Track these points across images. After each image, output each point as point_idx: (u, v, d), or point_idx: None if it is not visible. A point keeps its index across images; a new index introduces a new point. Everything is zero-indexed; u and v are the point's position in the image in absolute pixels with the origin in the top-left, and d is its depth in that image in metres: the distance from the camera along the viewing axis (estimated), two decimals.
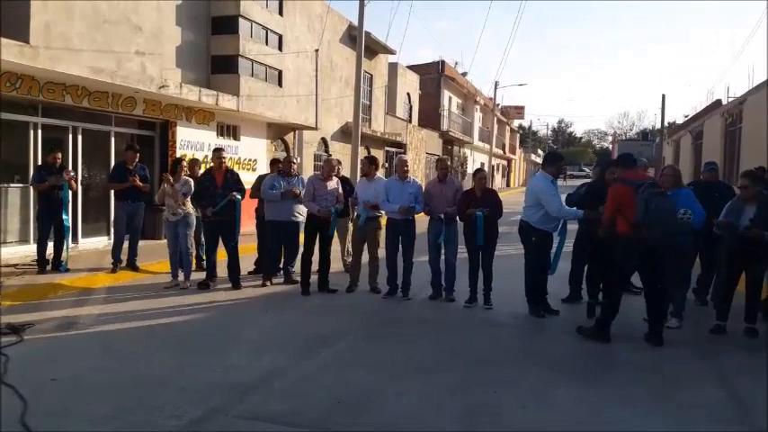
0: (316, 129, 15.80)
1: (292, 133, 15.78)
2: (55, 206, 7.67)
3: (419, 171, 24.39)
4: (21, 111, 8.58)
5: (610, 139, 75.17)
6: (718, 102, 19.89)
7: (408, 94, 26.12)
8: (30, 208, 8.74)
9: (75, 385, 3.98)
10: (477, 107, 37.22)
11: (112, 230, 8.85)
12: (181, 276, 7.33)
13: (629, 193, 5.11)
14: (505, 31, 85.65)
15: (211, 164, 7.58)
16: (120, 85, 9.21)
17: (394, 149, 22.63)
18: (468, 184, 7.71)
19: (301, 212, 7.37)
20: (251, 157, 13.69)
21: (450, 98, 31.92)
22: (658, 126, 35.48)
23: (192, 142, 11.73)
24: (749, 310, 5.58)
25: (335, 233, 7.40)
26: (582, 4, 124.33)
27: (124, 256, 8.05)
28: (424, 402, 3.85)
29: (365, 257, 7.26)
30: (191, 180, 7.38)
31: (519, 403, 3.88)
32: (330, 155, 15.93)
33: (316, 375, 4.32)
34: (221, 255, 7.42)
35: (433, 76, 29.43)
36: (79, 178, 9.25)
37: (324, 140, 17.68)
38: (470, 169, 29.56)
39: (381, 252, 7.13)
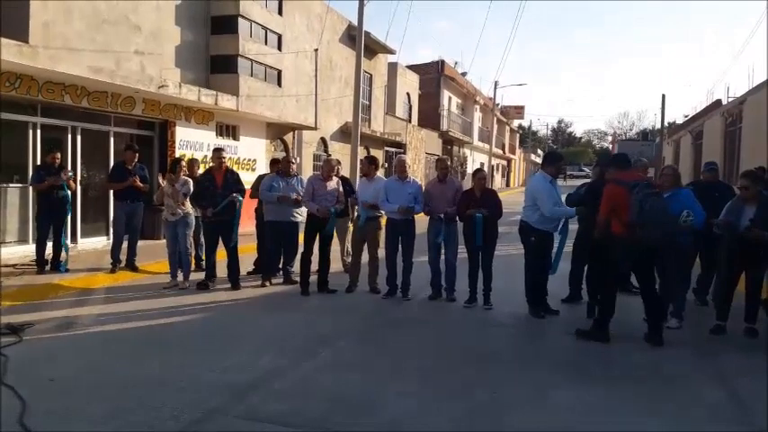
0: (315, 129, 15.79)
1: (292, 133, 15.78)
2: (54, 206, 7.66)
3: (419, 171, 24.38)
4: (20, 110, 8.58)
5: (610, 139, 75.25)
6: (718, 102, 19.91)
7: (408, 93, 26.13)
8: (29, 208, 8.74)
9: (75, 385, 3.97)
10: (477, 107, 37.23)
11: (111, 230, 8.84)
12: (180, 277, 7.32)
13: (623, 193, 5.11)
14: (505, 31, 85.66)
15: (211, 164, 7.57)
16: (119, 85, 9.20)
17: (393, 149, 22.63)
18: (467, 184, 7.70)
19: (300, 213, 7.36)
20: (250, 156, 13.69)
21: (449, 98, 31.93)
22: (658, 126, 35.53)
23: (192, 142, 11.73)
24: (749, 310, 5.58)
25: (335, 233, 7.40)
26: (582, 4, 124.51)
27: (123, 257, 8.04)
28: (423, 402, 3.84)
29: (365, 257, 7.25)
30: (190, 180, 7.37)
31: (519, 403, 3.88)
32: (329, 155, 15.93)
33: (315, 375, 4.32)
34: (221, 255, 7.41)
35: (433, 75, 29.44)
36: (78, 178, 9.24)
37: (323, 140, 17.67)
38: (470, 169, 29.57)
39: (381, 252, 7.12)
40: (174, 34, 11.23)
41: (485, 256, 6.57)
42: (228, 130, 13.06)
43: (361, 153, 13.60)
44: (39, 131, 8.87)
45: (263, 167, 13.11)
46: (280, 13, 13.83)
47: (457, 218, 6.72)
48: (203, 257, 7.73)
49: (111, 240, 8.64)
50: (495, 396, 4.00)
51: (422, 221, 6.98)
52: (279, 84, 13.90)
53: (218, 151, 7.38)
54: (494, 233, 6.58)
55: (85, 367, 4.34)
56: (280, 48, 13.87)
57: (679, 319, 5.83)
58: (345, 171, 10.58)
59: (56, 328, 5.33)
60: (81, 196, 9.52)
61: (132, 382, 4.03)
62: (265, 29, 13.26)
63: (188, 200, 7.26)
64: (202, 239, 7.84)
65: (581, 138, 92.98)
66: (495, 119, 38.90)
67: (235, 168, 10.15)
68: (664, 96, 30.84)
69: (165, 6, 10.67)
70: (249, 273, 7.96)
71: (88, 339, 5.09)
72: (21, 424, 3.31)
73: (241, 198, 7.18)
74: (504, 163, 50.52)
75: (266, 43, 13.33)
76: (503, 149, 45.97)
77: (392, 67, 23.60)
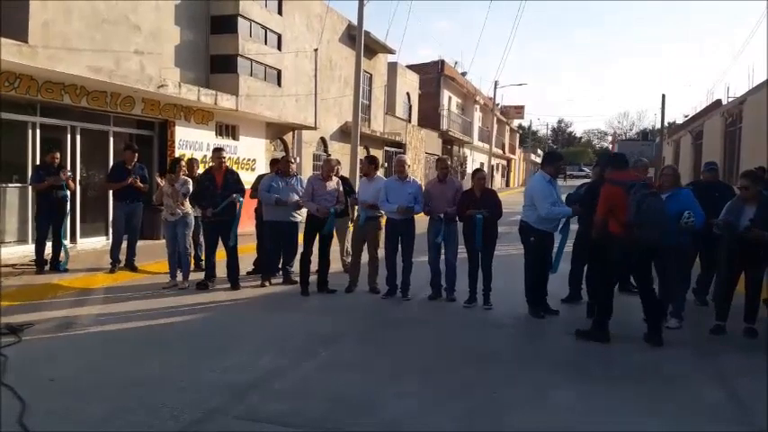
0: (315, 128, 15.79)
1: (291, 133, 15.77)
2: (54, 206, 7.66)
3: (418, 171, 24.39)
4: (19, 110, 8.57)
5: (610, 139, 75.23)
6: (718, 102, 19.92)
7: (408, 93, 26.12)
8: (28, 208, 8.73)
9: (75, 385, 3.97)
10: (477, 107, 37.23)
11: (111, 230, 8.83)
12: (179, 277, 7.31)
13: (620, 193, 5.11)
14: (505, 31, 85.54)
15: (211, 163, 7.56)
16: (118, 85, 9.20)
17: (393, 149, 22.63)
18: (467, 183, 7.70)
19: (300, 212, 7.36)
20: (250, 156, 13.68)
21: (449, 98, 31.92)
22: (658, 126, 35.52)
23: (191, 142, 11.72)
24: (749, 310, 5.58)
25: (335, 233, 7.39)
26: (582, 4, 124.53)
27: (123, 257, 8.04)
28: (423, 402, 3.84)
29: (365, 257, 7.25)
30: (189, 180, 7.37)
31: (519, 403, 3.88)
32: (329, 155, 15.94)
33: (315, 375, 4.32)
34: (220, 255, 7.40)
35: (433, 75, 29.43)
36: (77, 178, 9.23)
37: (323, 140, 17.67)
38: (470, 169, 29.57)
39: (381, 252, 7.12)
40: (173, 34, 11.22)
41: (485, 257, 6.57)
42: (228, 129, 13.06)
43: (361, 153, 13.60)
44: (38, 131, 8.87)
45: (262, 167, 13.11)
46: (279, 12, 13.82)
47: (457, 218, 6.72)
48: (203, 257, 7.73)
49: (110, 240, 8.64)
50: (494, 396, 4.00)
51: (422, 221, 6.97)
52: (278, 83, 13.89)
53: (218, 151, 7.37)
54: (494, 233, 6.57)
55: (85, 367, 4.34)
56: (279, 47, 13.86)
57: (679, 319, 5.83)
58: (345, 171, 10.57)
59: (55, 328, 5.33)
60: (80, 196, 9.52)
61: (132, 382, 4.03)
62: (265, 28, 13.26)
63: (187, 200, 7.26)
64: (202, 239, 7.84)
65: (581, 138, 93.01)
66: (495, 119, 38.90)
67: (234, 168, 10.15)
68: (664, 96, 30.83)
69: (165, 6, 10.66)
70: (249, 273, 7.96)
71: (88, 339, 5.09)
72: (20, 424, 3.30)
73: (241, 198, 7.18)
74: (504, 163, 50.53)
75: (266, 43, 13.32)
76: (503, 149, 45.97)
77: (392, 67, 23.59)
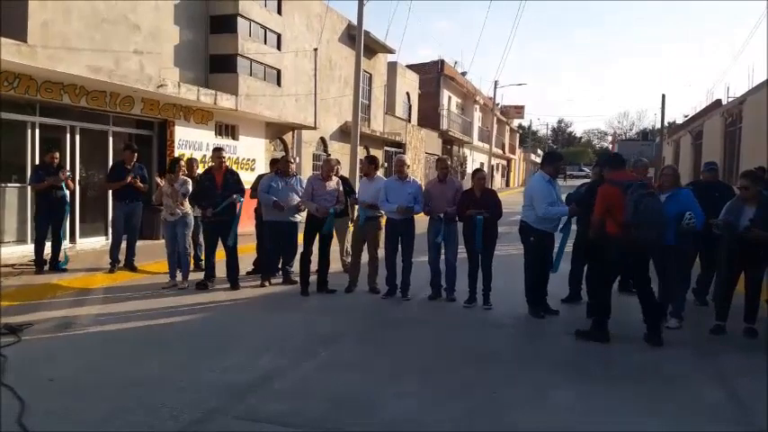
0: (314, 128, 15.78)
1: (291, 133, 15.76)
2: (53, 206, 7.65)
3: (418, 171, 24.38)
4: (18, 110, 8.56)
5: (610, 139, 75.24)
6: (718, 102, 19.93)
7: (408, 93, 26.12)
8: (27, 208, 8.73)
9: (74, 385, 3.96)
10: (477, 107, 37.22)
11: (110, 230, 8.83)
12: (179, 277, 7.31)
13: (617, 193, 5.10)
14: (505, 31, 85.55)
15: (210, 163, 7.55)
16: (118, 85, 9.19)
17: (393, 149, 22.62)
18: (467, 183, 7.70)
19: (300, 213, 7.35)
20: (249, 156, 13.68)
21: (449, 98, 31.92)
22: (658, 126, 35.55)
23: (191, 142, 11.72)
24: (749, 310, 5.58)
25: (335, 233, 7.39)
26: (582, 4, 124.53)
27: (122, 257, 8.03)
28: (423, 403, 3.84)
29: (364, 257, 7.24)
30: (189, 180, 7.36)
31: (519, 403, 3.88)
32: (329, 155, 15.94)
33: (315, 375, 4.31)
34: (220, 255, 7.40)
35: (433, 75, 29.42)
36: (77, 178, 9.23)
37: (323, 140, 17.66)
38: (470, 169, 29.57)
39: (381, 252, 7.11)
40: (173, 34, 11.22)
41: (485, 257, 6.56)
42: (228, 129, 13.05)
43: (361, 153, 13.60)
44: (37, 131, 8.86)
45: (262, 167, 13.11)
46: (279, 12, 13.82)
47: (457, 218, 6.71)
48: (202, 257, 7.72)
49: (109, 240, 8.64)
50: (494, 396, 3.99)
51: (422, 221, 6.97)
52: (278, 83, 13.89)
53: (218, 151, 7.37)
54: (494, 233, 6.57)
55: (85, 367, 4.34)
56: (279, 47, 13.86)
57: (679, 319, 5.83)
58: (345, 171, 10.57)
59: (55, 328, 5.32)
60: (80, 196, 9.52)
61: (132, 382, 4.02)
62: (264, 28, 13.25)
63: (187, 200, 7.25)
64: (201, 239, 7.83)
65: (581, 138, 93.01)
66: (495, 119, 38.90)
67: (234, 168, 10.15)
68: (664, 96, 30.90)
69: (164, 6, 10.66)
70: (248, 273, 7.95)
71: (87, 339, 5.08)
72: (20, 424, 3.30)
73: (242, 199, 7.17)
74: (504, 163, 50.53)
75: (265, 43, 13.32)
76: (502, 149, 45.97)
77: (392, 67, 23.58)
